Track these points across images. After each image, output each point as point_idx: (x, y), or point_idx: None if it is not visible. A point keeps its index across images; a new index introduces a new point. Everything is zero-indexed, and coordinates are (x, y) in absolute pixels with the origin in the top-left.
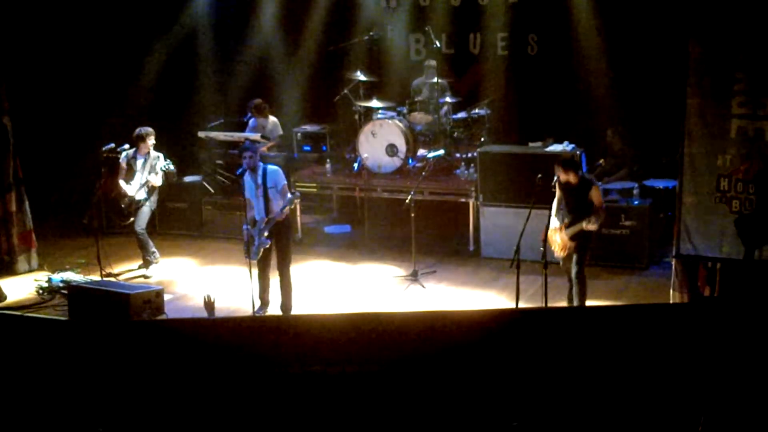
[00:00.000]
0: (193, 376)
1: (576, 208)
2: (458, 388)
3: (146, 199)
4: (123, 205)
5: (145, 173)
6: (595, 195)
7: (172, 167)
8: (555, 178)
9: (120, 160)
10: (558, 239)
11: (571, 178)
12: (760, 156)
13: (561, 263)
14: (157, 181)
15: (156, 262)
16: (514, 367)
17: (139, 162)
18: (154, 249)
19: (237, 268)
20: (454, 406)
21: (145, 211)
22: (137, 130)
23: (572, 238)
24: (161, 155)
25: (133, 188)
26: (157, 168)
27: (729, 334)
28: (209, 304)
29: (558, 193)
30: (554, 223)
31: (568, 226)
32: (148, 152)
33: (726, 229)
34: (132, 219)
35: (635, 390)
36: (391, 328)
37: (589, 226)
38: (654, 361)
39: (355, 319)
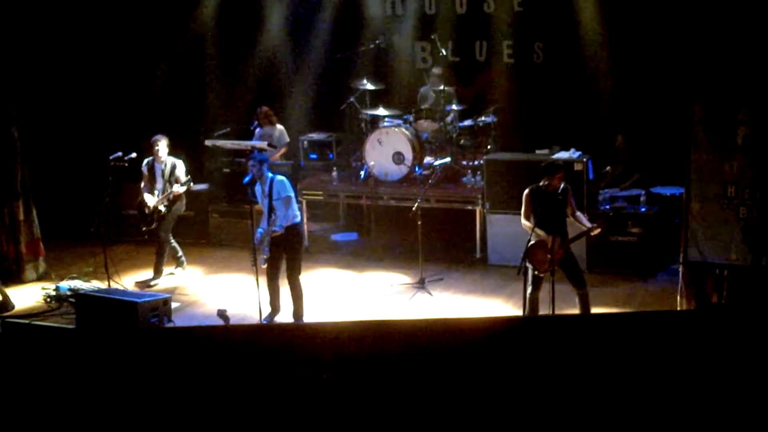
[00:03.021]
0: (201, 384)
1: (557, 215)
2: (464, 396)
3: (168, 209)
4: (146, 212)
5: (164, 181)
6: (572, 200)
7: (188, 180)
8: (541, 184)
9: (142, 168)
10: (544, 252)
11: (556, 182)
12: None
13: (540, 275)
14: (180, 189)
15: (183, 268)
16: (520, 375)
17: (157, 169)
18: (181, 254)
19: (244, 276)
20: (460, 413)
21: (169, 219)
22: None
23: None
24: (178, 162)
25: (153, 198)
26: (177, 175)
27: (737, 341)
28: (224, 318)
29: (527, 204)
30: (540, 235)
31: (561, 238)
32: (163, 160)
33: (733, 236)
34: (155, 225)
35: (642, 396)
36: (398, 336)
37: (596, 231)
38: (661, 368)
39: (363, 327)
